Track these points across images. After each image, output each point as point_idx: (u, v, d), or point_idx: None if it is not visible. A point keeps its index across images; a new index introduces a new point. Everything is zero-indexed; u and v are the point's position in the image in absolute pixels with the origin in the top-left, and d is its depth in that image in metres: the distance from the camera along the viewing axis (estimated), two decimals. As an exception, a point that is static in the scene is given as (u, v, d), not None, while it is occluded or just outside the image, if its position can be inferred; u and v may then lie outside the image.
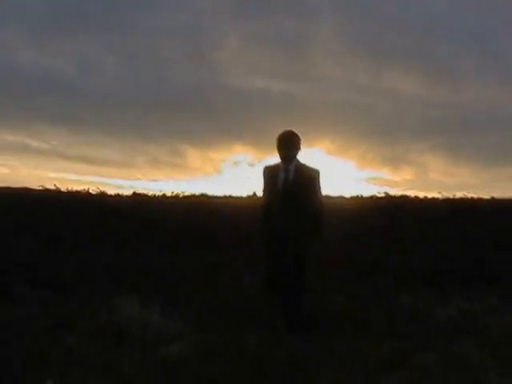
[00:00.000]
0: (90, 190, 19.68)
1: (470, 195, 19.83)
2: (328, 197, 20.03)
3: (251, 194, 20.05)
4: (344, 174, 46.88)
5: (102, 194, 19.65)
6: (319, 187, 6.64)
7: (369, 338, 6.91)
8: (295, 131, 6.71)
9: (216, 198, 20.33)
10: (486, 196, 19.65)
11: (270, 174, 6.71)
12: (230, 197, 20.69)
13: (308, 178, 6.54)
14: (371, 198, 19.73)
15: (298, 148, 6.64)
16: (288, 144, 6.56)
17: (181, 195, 19.89)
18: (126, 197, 19.63)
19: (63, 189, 19.41)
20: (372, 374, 5.75)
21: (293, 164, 6.57)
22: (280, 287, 6.58)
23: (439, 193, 19.68)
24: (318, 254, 7.03)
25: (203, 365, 5.58)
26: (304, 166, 6.65)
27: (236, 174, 54.35)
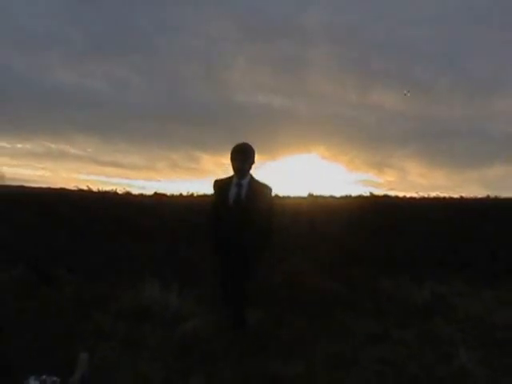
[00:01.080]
0: (117, 190, 19.76)
1: (442, 195, 19.88)
2: (321, 196, 20.19)
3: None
4: (336, 176, 47.03)
5: (127, 194, 19.71)
6: (271, 204, 5.65)
7: (356, 317, 6.96)
8: (250, 144, 5.56)
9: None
10: (456, 195, 19.70)
11: (221, 188, 5.57)
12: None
13: (260, 195, 5.44)
14: (358, 197, 19.73)
15: (252, 161, 5.52)
16: (243, 157, 5.41)
17: (195, 195, 19.91)
18: (148, 196, 19.68)
19: (94, 189, 19.50)
20: (359, 346, 5.79)
21: (246, 179, 5.45)
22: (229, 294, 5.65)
23: (416, 193, 19.67)
24: (262, 270, 6.28)
25: (213, 339, 5.62)
26: (257, 182, 5.53)
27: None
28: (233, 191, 5.40)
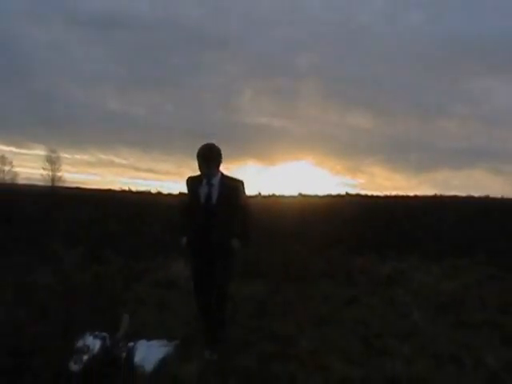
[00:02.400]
0: (151, 190, 19.92)
1: (401, 193, 19.99)
2: (308, 195, 20.25)
3: (257, 193, 20.14)
4: (322, 178, 47.33)
5: (159, 193, 19.84)
6: (245, 198, 4.39)
7: (334, 286, 6.96)
8: (214, 145, 4.24)
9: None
10: (412, 193, 19.84)
11: (193, 186, 4.30)
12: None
13: (232, 190, 4.22)
14: (337, 195, 19.81)
15: (219, 162, 4.24)
16: (208, 161, 4.16)
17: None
18: (175, 195, 19.79)
19: (134, 190, 19.66)
20: (335, 308, 5.80)
21: (216, 178, 4.21)
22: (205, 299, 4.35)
23: (381, 192, 19.75)
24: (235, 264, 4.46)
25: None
26: (228, 178, 4.30)
27: (248, 177, 54.64)
28: (204, 191, 4.20)
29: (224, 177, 4.28)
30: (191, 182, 4.33)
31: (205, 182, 4.20)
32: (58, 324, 4.30)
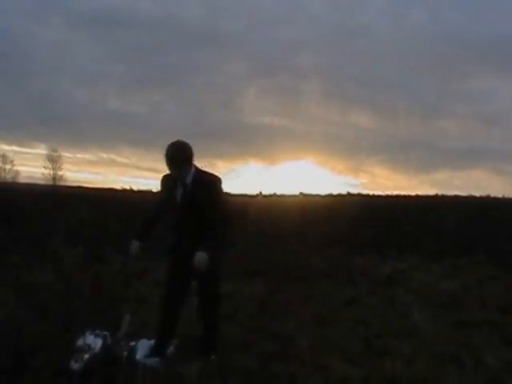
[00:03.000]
0: (153, 190, 19.94)
1: (402, 193, 20.00)
2: (309, 195, 20.24)
3: (258, 192, 20.16)
4: (323, 177, 47.38)
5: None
6: (221, 193, 3.96)
7: (335, 286, 6.97)
8: (179, 143, 3.83)
9: (232, 195, 20.30)
10: (413, 193, 19.86)
11: (167, 185, 3.95)
12: (244, 195, 20.65)
13: (207, 187, 3.81)
14: (338, 195, 19.81)
15: (188, 160, 3.81)
16: (174, 164, 3.78)
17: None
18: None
19: (135, 189, 19.68)
20: (335, 308, 5.80)
21: (189, 176, 3.82)
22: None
23: (383, 192, 19.77)
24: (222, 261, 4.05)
25: (224, 303, 5.63)
26: (203, 174, 3.88)
27: (250, 175, 54.77)
28: (179, 191, 3.85)
29: (197, 174, 3.87)
30: (166, 180, 3.98)
31: (179, 183, 3.85)
32: (58, 323, 4.31)
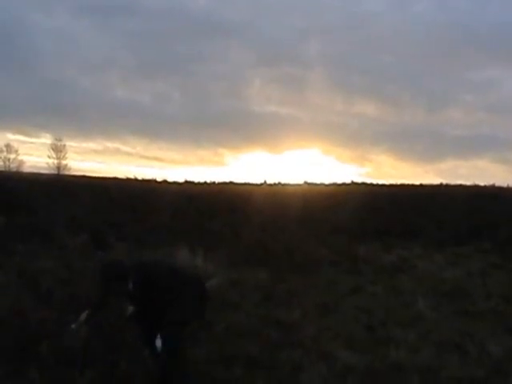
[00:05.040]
0: (157, 179, 19.98)
1: (407, 182, 19.95)
2: (313, 183, 20.21)
3: (263, 181, 20.17)
4: (330, 167, 47.66)
5: (164, 181, 19.87)
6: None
7: (338, 274, 6.96)
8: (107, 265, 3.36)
9: (237, 184, 20.35)
10: (417, 182, 19.80)
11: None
12: (249, 184, 20.64)
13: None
14: (342, 184, 19.76)
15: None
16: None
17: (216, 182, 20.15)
18: (181, 183, 19.83)
19: (139, 178, 19.71)
20: (340, 297, 5.80)
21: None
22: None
23: (387, 181, 19.72)
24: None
25: (230, 291, 5.65)
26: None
27: (255, 164, 55.01)
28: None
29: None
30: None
31: None
32: (62, 310, 4.31)
